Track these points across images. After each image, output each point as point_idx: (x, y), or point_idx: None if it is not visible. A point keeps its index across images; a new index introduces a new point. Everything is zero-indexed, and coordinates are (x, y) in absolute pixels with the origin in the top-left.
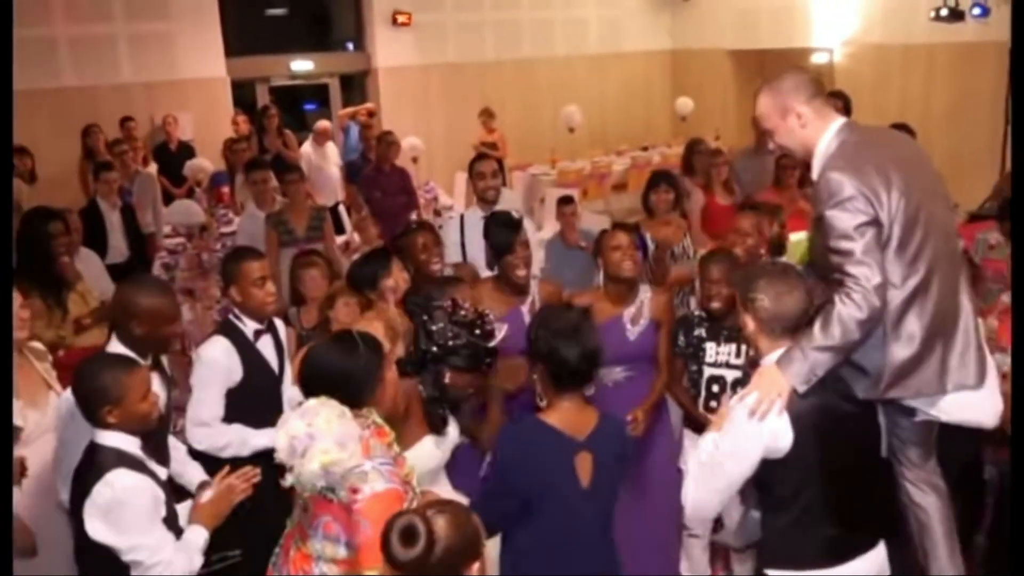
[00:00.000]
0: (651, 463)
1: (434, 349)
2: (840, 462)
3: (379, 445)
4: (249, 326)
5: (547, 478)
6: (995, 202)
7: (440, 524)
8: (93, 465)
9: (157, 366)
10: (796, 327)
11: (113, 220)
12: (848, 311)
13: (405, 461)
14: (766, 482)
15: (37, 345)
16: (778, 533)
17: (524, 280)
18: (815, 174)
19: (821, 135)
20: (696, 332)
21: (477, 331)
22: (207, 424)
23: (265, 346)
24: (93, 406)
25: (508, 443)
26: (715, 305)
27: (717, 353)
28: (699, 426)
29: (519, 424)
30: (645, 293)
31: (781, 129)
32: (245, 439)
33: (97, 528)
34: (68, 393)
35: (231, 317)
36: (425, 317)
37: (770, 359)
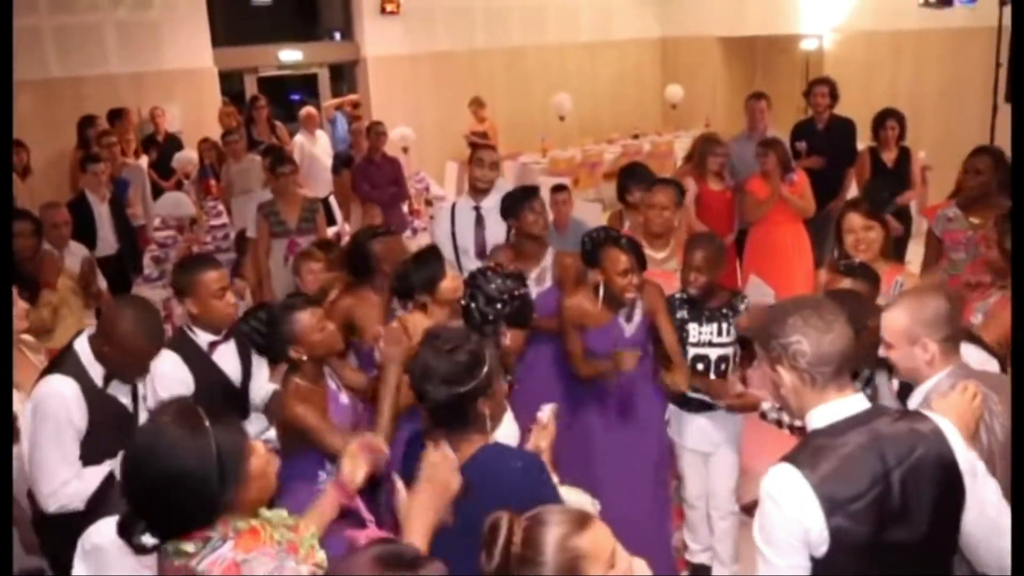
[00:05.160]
0: (643, 443)
1: (497, 307)
2: None
3: (254, 557)
4: (203, 338)
5: None
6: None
7: None
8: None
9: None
10: (840, 372)
11: (102, 213)
12: None
13: (302, 530)
14: None
15: (29, 338)
16: None
17: (543, 232)
18: (912, 404)
19: (935, 374)
20: (679, 314)
21: (525, 281)
22: None
23: (224, 355)
24: None
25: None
26: (692, 291)
27: (700, 333)
28: (685, 401)
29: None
30: None
31: (902, 352)
32: None
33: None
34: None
35: (184, 328)
36: (479, 281)
37: (818, 417)
